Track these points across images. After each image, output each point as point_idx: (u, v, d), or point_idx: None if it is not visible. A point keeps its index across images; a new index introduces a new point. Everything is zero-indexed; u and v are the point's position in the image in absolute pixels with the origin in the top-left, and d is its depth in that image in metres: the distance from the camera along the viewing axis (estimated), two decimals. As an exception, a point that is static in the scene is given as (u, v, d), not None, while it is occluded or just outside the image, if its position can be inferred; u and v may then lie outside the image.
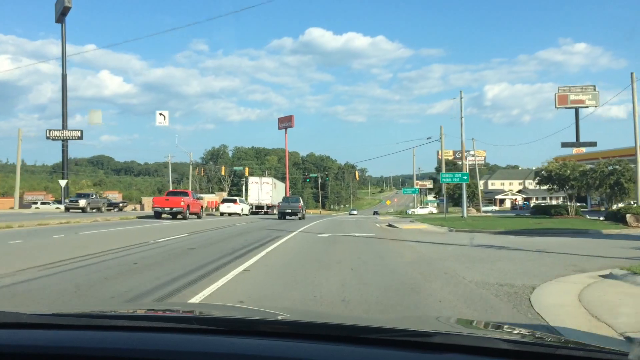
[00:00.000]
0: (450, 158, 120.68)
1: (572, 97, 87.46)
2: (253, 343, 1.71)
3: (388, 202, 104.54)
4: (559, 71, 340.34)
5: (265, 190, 58.70)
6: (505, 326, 2.55)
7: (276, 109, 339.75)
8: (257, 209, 57.39)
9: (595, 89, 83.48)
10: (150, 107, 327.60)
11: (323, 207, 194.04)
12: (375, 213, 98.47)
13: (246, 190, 65.85)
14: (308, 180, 77.63)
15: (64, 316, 2.15)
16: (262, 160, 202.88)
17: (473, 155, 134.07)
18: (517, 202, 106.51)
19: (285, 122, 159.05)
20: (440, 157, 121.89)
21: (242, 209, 50.87)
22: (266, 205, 58.17)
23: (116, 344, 1.73)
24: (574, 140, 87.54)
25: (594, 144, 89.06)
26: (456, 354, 1.61)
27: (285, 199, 46.70)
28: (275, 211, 50.68)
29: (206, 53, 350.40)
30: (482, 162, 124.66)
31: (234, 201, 52.25)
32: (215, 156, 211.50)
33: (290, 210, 42.62)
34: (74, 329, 1.91)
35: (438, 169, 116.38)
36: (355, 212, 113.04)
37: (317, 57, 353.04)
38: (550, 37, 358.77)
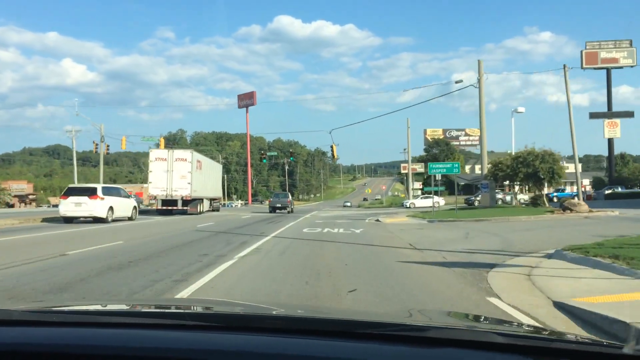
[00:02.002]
0: (439, 137, 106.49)
1: (604, 54, 72.73)
2: (248, 339, 1.68)
3: (369, 191, 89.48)
4: (525, 60, 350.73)
5: (180, 172, 35.81)
6: (500, 320, 2.93)
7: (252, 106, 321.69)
8: (167, 206, 36.27)
9: (631, 44, 68.70)
10: (116, 96, 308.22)
11: (291, 196, 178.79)
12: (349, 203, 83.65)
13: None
14: (264, 160, 60.67)
15: (57, 313, 2.09)
16: (223, 146, 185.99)
17: (467, 135, 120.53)
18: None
19: (246, 100, 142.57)
20: (428, 136, 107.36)
21: (108, 209, 26.41)
22: (182, 198, 35.98)
23: (110, 341, 1.69)
24: (605, 109, 73.68)
25: (630, 114, 74.59)
26: (451, 348, 1.59)
27: (276, 195, 51.93)
28: (201, 208, 38.64)
29: (172, 41, 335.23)
30: (477, 142, 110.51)
31: (90, 193, 26.05)
32: (171, 142, 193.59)
33: (280, 205, 46.04)
34: (67, 326, 1.84)
35: (428, 150, 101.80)
36: (349, 203, 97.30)
37: (286, 46, 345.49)
38: (517, 26, 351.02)
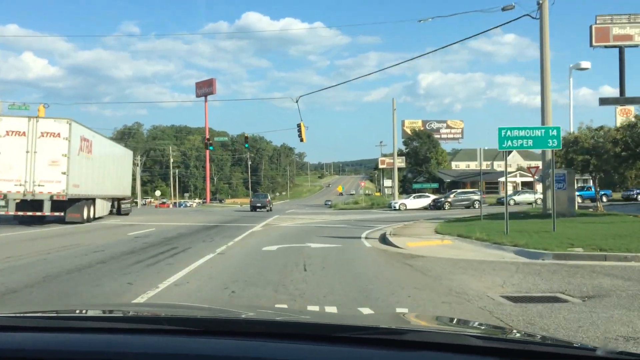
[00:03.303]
0: (420, 129, 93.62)
1: (616, 30, 60.92)
2: (227, 343, 1.66)
3: (339, 189, 76.01)
4: (489, 61, 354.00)
5: (48, 154, 21.59)
6: (476, 323, 3.00)
7: (212, 95, 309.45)
8: (24, 210, 21.86)
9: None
10: (78, 92, 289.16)
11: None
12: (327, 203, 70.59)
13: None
14: (211, 147, 46.32)
15: (28, 317, 2.06)
16: (182, 140, 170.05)
17: (449, 127, 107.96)
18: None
19: (205, 88, 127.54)
20: (406, 128, 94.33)
21: None
22: (51, 197, 21.60)
23: (85, 347, 1.64)
24: (618, 94, 61.80)
25: (643, 101, 62.17)
26: (428, 351, 1.58)
27: (256, 195, 57.50)
28: (90, 213, 25.07)
29: (137, 35, 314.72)
30: (460, 136, 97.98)
31: None
32: (127, 136, 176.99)
33: (260, 204, 49.34)
34: (40, 331, 1.77)
35: (407, 143, 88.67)
36: (330, 202, 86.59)
37: (254, 43, 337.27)
38: (481, 27, 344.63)
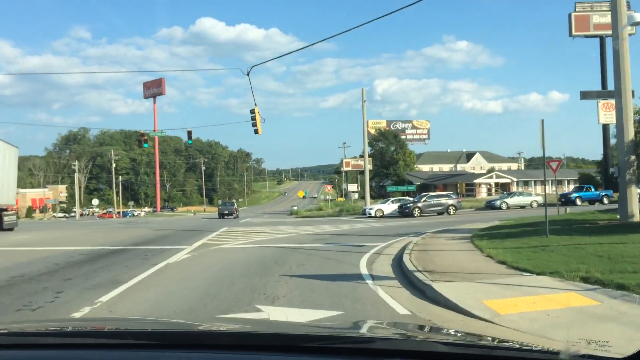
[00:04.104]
0: (383, 128, 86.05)
1: (596, 19, 55.12)
2: (195, 357, 1.62)
3: (301, 194, 67.70)
4: (444, 67, 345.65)
5: None
6: (446, 329, 3.07)
7: (167, 102, 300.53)
8: None
9: (629, 7, 50.56)
10: (26, 98, 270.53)
11: (210, 202, 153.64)
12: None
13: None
14: (146, 144, 36.22)
15: (14, 335, 2.00)
16: (131, 146, 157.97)
17: (415, 127, 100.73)
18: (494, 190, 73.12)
19: (153, 88, 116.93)
20: (370, 129, 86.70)
21: None
22: None
23: None
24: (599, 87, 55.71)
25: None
26: (396, 358, 1.57)
27: (223, 204, 58.69)
28: None
29: (88, 41, 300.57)
30: (426, 136, 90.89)
31: None
32: (71, 141, 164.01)
33: (227, 212, 51.55)
34: (1, 348, 1.74)
35: (372, 143, 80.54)
36: (295, 207, 79.75)
37: (209, 48, 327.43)
38: (435, 35, 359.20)
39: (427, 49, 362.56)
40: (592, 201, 41.47)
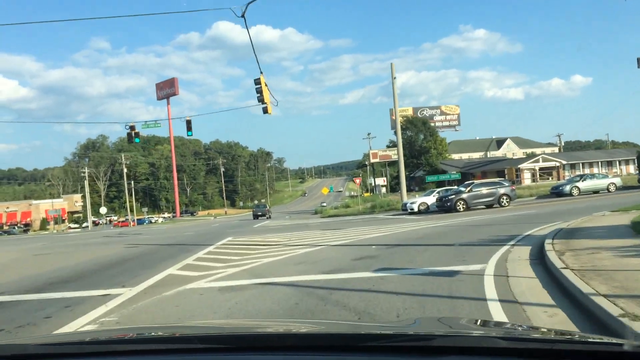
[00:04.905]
0: (410, 116, 78.09)
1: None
2: (261, 358, 1.67)
3: (325, 190, 60.55)
4: (461, 57, 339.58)
5: None
6: (506, 324, 2.98)
7: (187, 107, 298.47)
8: None
9: None
10: (51, 111, 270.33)
11: (232, 204, 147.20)
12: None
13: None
14: (137, 140, 28.88)
15: (71, 344, 2.02)
16: (149, 151, 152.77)
17: (444, 113, 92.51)
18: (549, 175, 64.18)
19: (167, 89, 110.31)
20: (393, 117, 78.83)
21: None
22: None
23: None
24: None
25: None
26: (455, 355, 1.55)
27: (257, 206, 60.39)
28: None
29: (108, 51, 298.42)
30: (456, 122, 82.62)
31: None
32: (91, 149, 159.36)
33: (260, 213, 52.56)
34: (82, 356, 1.80)
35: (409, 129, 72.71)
36: (325, 204, 78.87)
37: (226, 52, 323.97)
38: (452, 24, 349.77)
39: (444, 39, 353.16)
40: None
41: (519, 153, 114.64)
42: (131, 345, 1.92)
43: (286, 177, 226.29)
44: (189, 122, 32.34)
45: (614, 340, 1.60)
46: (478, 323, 2.69)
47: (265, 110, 22.77)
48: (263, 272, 9.79)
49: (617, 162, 69.87)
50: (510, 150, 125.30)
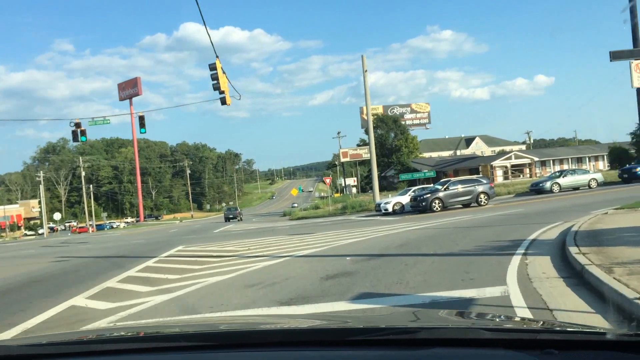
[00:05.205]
0: (380, 114, 76.04)
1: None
2: (246, 356, 1.65)
3: (294, 192, 57.93)
4: (429, 58, 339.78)
5: None
6: (488, 315, 2.98)
7: (154, 109, 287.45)
8: None
9: None
10: (13, 115, 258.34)
11: (200, 207, 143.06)
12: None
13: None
14: (84, 138, 25.57)
15: (57, 344, 1.93)
16: (113, 154, 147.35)
17: (414, 111, 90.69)
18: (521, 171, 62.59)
19: (129, 89, 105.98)
20: (364, 115, 76.91)
21: None
22: None
23: None
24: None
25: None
26: (441, 347, 1.54)
27: (228, 209, 61.70)
28: None
29: (72, 53, 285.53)
30: (427, 120, 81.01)
31: None
32: (51, 153, 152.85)
33: (232, 216, 53.20)
34: (67, 357, 1.74)
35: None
36: (296, 204, 77.46)
37: (194, 53, 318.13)
38: (420, 25, 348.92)
39: (412, 40, 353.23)
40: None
41: (488, 151, 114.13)
42: (120, 344, 1.85)
43: (255, 179, 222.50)
44: (141, 119, 29.32)
45: (598, 330, 1.61)
46: (461, 315, 2.62)
47: (223, 101, 20.07)
48: (197, 302, 7.10)
49: (587, 159, 69.19)
50: (479, 148, 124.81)
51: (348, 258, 10.46)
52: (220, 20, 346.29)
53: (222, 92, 19.69)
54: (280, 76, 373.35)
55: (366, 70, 38.16)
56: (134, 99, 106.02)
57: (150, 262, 12.93)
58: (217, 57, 18.38)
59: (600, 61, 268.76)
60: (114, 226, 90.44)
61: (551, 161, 68.13)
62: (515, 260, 8.31)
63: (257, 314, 5.94)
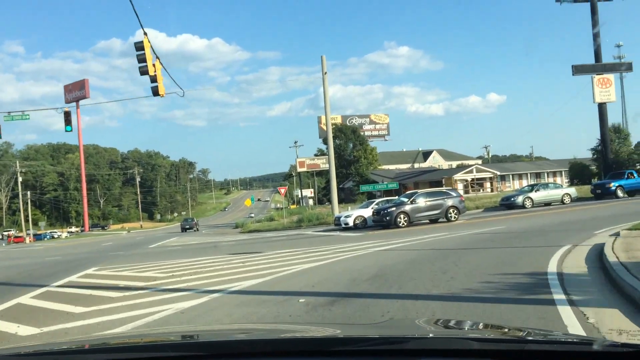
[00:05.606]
0: (339, 124, 73.25)
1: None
2: None
3: (248, 202, 54.30)
4: (386, 73, 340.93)
5: None
6: (479, 324, 2.85)
7: (108, 115, 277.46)
8: None
9: None
10: None
11: (150, 217, 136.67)
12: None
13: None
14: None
15: (42, 354, 1.86)
16: (59, 160, 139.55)
17: (373, 122, 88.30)
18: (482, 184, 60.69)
19: (76, 91, 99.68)
20: (322, 125, 74.31)
21: None
22: None
23: None
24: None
25: (628, 67, 47.57)
26: (429, 357, 1.53)
27: (185, 220, 61.78)
28: None
29: (22, 55, 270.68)
30: (386, 132, 78.87)
31: None
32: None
33: (188, 226, 53.80)
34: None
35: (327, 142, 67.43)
36: (252, 214, 76.16)
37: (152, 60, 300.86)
38: (377, 41, 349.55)
39: (369, 55, 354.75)
40: (632, 192, 30.03)
41: (445, 165, 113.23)
42: (107, 354, 1.79)
43: (211, 188, 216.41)
44: (67, 114, 25.30)
45: (584, 340, 1.60)
46: (452, 324, 2.59)
47: (155, 92, 16.52)
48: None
49: (546, 174, 68.29)
50: (436, 162, 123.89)
51: (302, 300, 7.11)
52: (178, 27, 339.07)
53: (153, 80, 16.16)
54: (238, 86, 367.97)
55: (326, 73, 35.30)
56: (85, 104, 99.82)
57: (24, 297, 9.22)
58: (145, 34, 14.86)
59: (551, 81, 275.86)
60: (56, 236, 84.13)
61: (510, 176, 66.85)
62: (565, 313, 5.19)
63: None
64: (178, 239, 31.27)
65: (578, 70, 46.39)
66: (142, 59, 15.05)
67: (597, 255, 8.89)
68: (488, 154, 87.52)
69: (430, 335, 1.97)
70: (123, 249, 24.62)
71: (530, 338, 1.83)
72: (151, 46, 15.44)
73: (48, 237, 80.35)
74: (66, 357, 1.80)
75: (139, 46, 14.95)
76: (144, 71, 15.09)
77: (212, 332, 2.72)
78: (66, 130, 25.31)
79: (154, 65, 16.02)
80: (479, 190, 60.35)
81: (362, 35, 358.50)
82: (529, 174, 68.25)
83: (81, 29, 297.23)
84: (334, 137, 70.74)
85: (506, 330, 2.18)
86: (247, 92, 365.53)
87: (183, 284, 9.64)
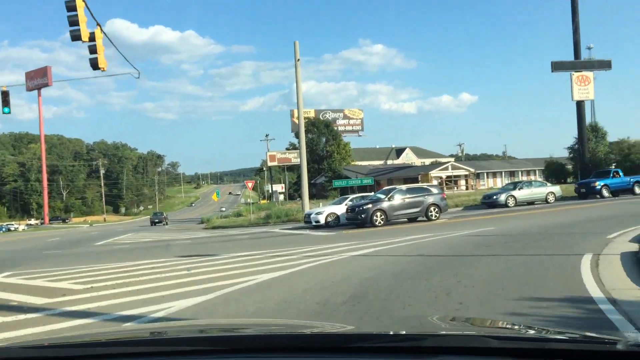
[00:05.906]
0: (312, 118, 70.82)
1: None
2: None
3: (215, 198, 51.66)
4: (360, 70, 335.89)
5: None
6: (499, 322, 2.79)
7: (76, 106, 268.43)
8: None
9: None
10: None
11: (116, 210, 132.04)
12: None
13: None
14: None
15: (58, 347, 1.86)
16: (20, 150, 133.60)
17: (347, 117, 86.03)
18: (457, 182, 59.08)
19: (37, 79, 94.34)
20: (294, 118, 71.68)
21: None
22: None
23: None
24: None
25: (606, 65, 46.38)
26: (447, 355, 1.50)
27: (154, 214, 60.50)
28: None
29: None
30: (359, 127, 76.79)
31: None
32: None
33: (157, 220, 53.45)
34: None
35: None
36: (224, 208, 73.00)
37: (122, 51, 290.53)
38: (352, 38, 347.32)
39: (344, 52, 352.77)
40: (617, 191, 28.54)
41: (418, 162, 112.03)
42: (121, 347, 1.78)
43: (180, 182, 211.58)
44: (4, 94, 22.23)
45: (608, 339, 1.55)
46: (471, 322, 2.55)
47: (95, 65, 13.82)
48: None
49: (520, 173, 67.30)
50: (409, 159, 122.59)
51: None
52: (150, 18, 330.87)
53: (92, 51, 13.51)
54: (211, 80, 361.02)
55: (299, 59, 32.90)
56: (48, 93, 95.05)
57: None
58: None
59: (524, 83, 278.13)
60: (12, 228, 79.71)
61: (485, 174, 65.61)
62: None
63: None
64: (132, 236, 28.48)
65: (557, 67, 45.00)
66: (74, 22, 12.36)
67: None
68: (462, 152, 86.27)
69: (448, 332, 1.90)
70: (65, 246, 21.81)
71: (551, 337, 1.76)
72: (89, 10, 12.76)
73: (4, 229, 75.95)
74: (81, 350, 1.74)
75: (70, 6, 12.25)
76: (75, 36, 12.40)
77: (227, 327, 2.52)
78: (3, 112, 22.25)
79: (93, 33, 13.39)
80: (454, 188, 58.82)
81: (337, 32, 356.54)
82: (503, 172, 67.22)
83: (50, 17, 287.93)
84: (307, 131, 68.31)
85: (527, 329, 2.02)
86: (220, 86, 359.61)
87: (94, 303, 7.13)
